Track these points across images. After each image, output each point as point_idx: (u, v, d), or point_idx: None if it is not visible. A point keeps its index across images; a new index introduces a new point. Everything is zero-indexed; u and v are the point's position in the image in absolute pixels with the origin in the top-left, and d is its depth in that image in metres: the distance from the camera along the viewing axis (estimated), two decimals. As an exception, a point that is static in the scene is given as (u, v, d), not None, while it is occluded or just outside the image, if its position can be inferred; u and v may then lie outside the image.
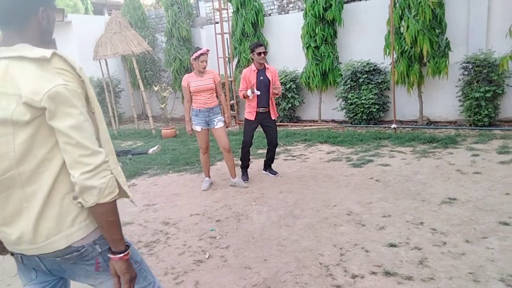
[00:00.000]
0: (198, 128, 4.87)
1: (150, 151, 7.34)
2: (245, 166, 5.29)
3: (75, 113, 1.22)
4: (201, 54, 4.69)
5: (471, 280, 2.61)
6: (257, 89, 4.91)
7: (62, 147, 1.22)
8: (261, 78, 4.93)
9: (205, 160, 5.10)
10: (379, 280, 2.72)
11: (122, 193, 1.43)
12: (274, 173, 5.35)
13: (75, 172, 1.22)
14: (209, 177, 5.19)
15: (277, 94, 5.06)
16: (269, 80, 4.95)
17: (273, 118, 5.12)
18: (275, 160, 5.60)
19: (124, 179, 1.42)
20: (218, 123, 4.87)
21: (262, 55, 4.88)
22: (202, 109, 4.82)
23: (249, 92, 4.86)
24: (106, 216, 1.30)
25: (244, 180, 5.14)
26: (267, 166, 5.43)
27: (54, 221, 1.29)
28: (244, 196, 4.68)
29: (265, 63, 5.04)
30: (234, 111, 9.26)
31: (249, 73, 4.95)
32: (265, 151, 5.46)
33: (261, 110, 5.01)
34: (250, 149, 5.26)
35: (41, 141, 1.23)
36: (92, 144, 1.24)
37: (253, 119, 5.01)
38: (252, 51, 4.93)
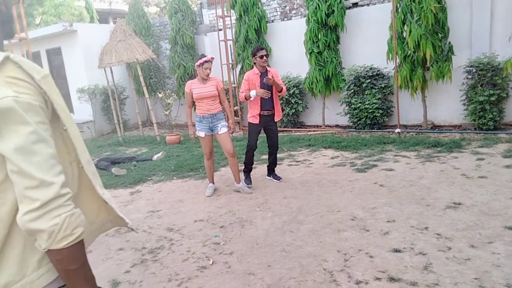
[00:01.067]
0: (201, 134, 4.89)
1: (155, 157, 7.37)
2: (248, 170, 5.30)
3: (24, 132, 0.94)
4: (206, 61, 4.73)
5: (477, 286, 2.59)
6: None
7: (10, 176, 0.95)
8: (264, 80, 4.95)
9: (209, 166, 5.12)
10: (384, 286, 2.71)
11: (119, 221, 1.27)
12: (278, 178, 5.35)
13: (20, 211, 0.95)
14: (213, 183, 5.20)
15: (282, 92, 5.04)
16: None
17: (276, 120, 5.16)
18: (279, 166, 5.60)
19: (114, 205, 1.24)
20: (222, 128, 4.88)
21: (264, 58, 4.92)
22: (205, 115, 4.84)
23: (252, 93, 4.87)
24: (63, 265, 1.00)
25: (247, 184, 5.14)
26: (271, 171, 5.43)
27: (16, 265, 1.00)
28: (248, 202, 4.68)
29: (267, 66, 5.08)
30: (238, 117, 9.29)
31: (253, 76, 4.98)
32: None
33: (265, 113, 5.04)
34: (254, 153, 5.26)
35: None
36: (42, 172, 0.95)
37: (258, 122, 5.04)
38: (254, 55, 4.97)
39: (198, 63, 4.77)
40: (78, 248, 1.02)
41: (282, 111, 8.48)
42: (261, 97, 4.93)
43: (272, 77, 4.91)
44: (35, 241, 0.99)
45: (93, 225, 1.26)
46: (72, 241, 0.99)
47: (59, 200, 0.97)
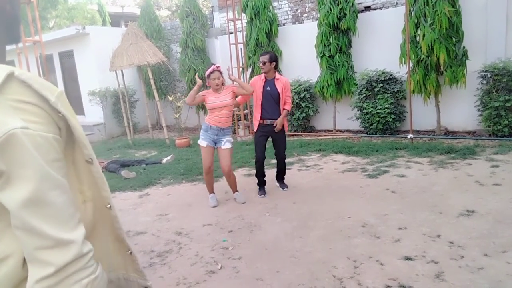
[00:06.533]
0: (203, 143, 4.70)
1: (164, 160, 7.37)
2: (261, 183, 5.08)
3: (34, 178, 0.71)
4: (211, 72, 4.57)
5: (492, 296, 2.52)
6: (263, 100, 4.79)
7: (15, 232, 0.73)
8: (268, 88, 4.79)
9: (208, 181, 4.92)
10: (395, 294, 2.64)
11: (138, 279, 1.08)
12: (284, 187, 5.16)
13: (30, 276, 0.73)
14: (214, 193, 5.00)
15: (287, 110, 4.86)
16: (278, 92, 4.79)
17: (284, 130, 4.98)
18: (288, 170, 5.53)
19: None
20: (226, 144, 4.70)
21: (261, 64, 4.76)
22: (213, 126, 4.66)
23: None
24: None
25: (260, 195, 4.98)
26: (279, 178, 5.28)
27: None
28: (257, 207, 4.64)
29: (276, 73, 4.88)
30: (248, 120, 9.26)
31: (258, 81, 4.82)
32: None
33: (268, 122, 4.87)
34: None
35: None
36: (57, 227, 0.73)
37: (256, 130, 4.91)
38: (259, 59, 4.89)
39: (206, 75, 4.64)
40: None
41: (292, 115, 8.47)
42: (262, 105, 4.79)
43: (281, 88, 4.79)
44: None
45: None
46: None
47: (79, 261, 0.75)
